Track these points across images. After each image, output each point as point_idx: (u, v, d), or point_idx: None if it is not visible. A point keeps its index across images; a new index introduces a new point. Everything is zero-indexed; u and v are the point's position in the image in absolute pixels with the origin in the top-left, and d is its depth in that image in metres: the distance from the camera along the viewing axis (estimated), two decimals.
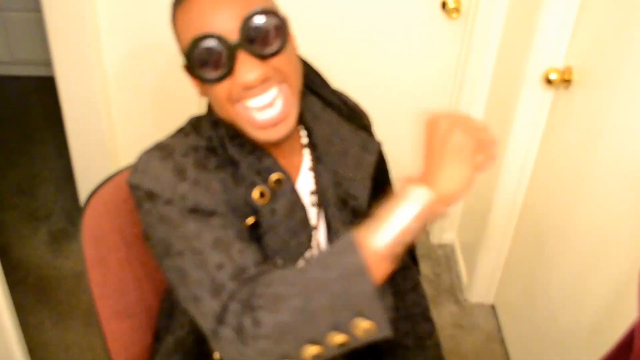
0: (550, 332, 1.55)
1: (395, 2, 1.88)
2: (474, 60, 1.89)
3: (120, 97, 2.05)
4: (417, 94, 2.06)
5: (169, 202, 0.78)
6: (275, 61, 0.78)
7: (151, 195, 0.79)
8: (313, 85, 0.95)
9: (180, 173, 0.80)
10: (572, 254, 1.44)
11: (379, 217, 0.70)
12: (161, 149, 0.82)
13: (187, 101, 2.05)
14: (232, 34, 0.75)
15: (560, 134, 1.56)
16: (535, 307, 1.66)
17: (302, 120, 0.92)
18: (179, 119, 2.16)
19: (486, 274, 1.98)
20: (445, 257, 2.25)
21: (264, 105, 0.79)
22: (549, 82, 1.51)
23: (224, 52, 0.75)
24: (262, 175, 0.85)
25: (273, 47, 0.77)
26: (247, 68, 0.75)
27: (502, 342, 1.90)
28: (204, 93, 0.85)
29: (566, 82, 1.49)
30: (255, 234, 0.85)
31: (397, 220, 0.69)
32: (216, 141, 0.85)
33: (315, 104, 0.94)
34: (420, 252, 2.29)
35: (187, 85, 2.07)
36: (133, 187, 0.82)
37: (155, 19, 1.90)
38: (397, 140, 2.17)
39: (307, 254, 0.90)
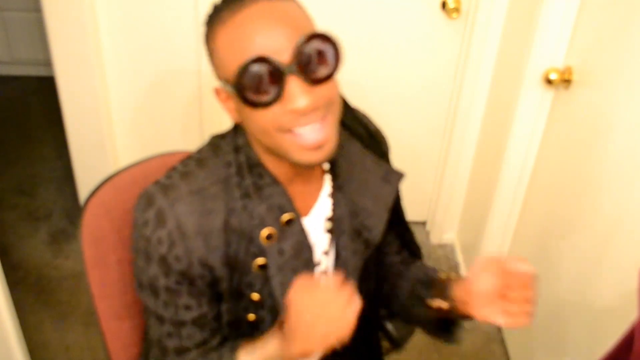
0: (550, 332, 1.55)
1: (395, 2, 1.88)
2: (474, 60, 1.89)
3: (120, 97, 2.05)
4: (417, 93, 2.06)
5: (163, 262, 0.80)
6: (325, 87, 0.74)
7: (147, 251, 0.80)
8: (345, 121, 0.94)
9: (180, 231, 0.78)
10: (572, 254, 1.44)
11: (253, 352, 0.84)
12: (165, 194, 0.79)
13: (187, 101, 2.05)
14: (284, 57, 0.71)
15: (560, 134, 1.56)
16: (535, 307, 1.66)
17: None
18: (179, 119, 2.16)
19: None
20: (445, 257, 2.25)
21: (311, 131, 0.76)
22: (549, 82, 1.51)
23: (275, 76, 0.71)
24: (274, 213, 0.83)
25: (324, 72, 0.74)
26: (299, 93, 0.72)
27: (502, 342, 1.90)
28: (240, 118, 0.81)
29: (566, 82, 1.49)
30: (263, 274, 0.84)
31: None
32: (234, 168, 0.82)
33: (341, 133, 0.91)
34: None
35: (187, 85, 2.09)
36: (137, 218, 0.81)
37: (155, 19, 1.90)
38: (397, 140, 2.18)
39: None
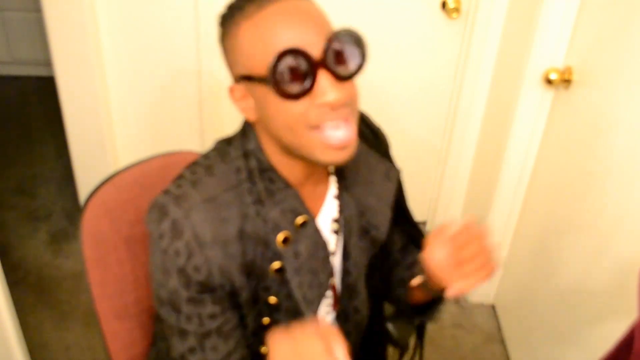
0: (550, 332, 1.55)
1: (395, 2, 1.88)
2: (474, 60, 1.89)
3: (120, 97, 2.05)
4: (417, 93, 2.06)
5: (182, 273, 0.78)
6: (350, 85, 0.75)
7: (165, 252, 0.78)
8: None
9: (197, 241, 0.77)
10: (572, 254, 1.44)
11: None
12: (178, 205, 0.78)
13: (187, 101, 2.05)
14: (316, 51, 0.72)
15: (560, 134, 1.56)
16: (535, 307, 1.66)
17: None
18: (179, 119, 2.16)
19: None
20: None
21: (337, 127, 0.76)
22: (549, 82, 1.51)
23: (307, 69, 0.72)
24: (288, 216, 0.82)
25: (352, 69, 0.75)
26: (328, 87, 0.72)
27: (502, 342, 1.90)
28: (259, 116, 0.80)
29: (566, 82, 1.49)
30: (280, 278, 0.84)
31: None
32: (245, 174, 0.82)
33: None
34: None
35: (187, 85, 2.09)
36: (152, 231, 0.80)
37: (156, 19, 1.90)
38: (397, 140, 2.18)
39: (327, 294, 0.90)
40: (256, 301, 0.85)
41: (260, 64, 0.74)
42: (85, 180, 2.17)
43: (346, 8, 1.89)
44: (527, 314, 1.72)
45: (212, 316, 0.82)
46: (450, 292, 0.79)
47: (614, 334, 1.09)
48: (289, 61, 0.71)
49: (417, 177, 2.27)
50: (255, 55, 0.74)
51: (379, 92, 2.06)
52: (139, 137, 2.14)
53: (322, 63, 0.72)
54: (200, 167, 0.83)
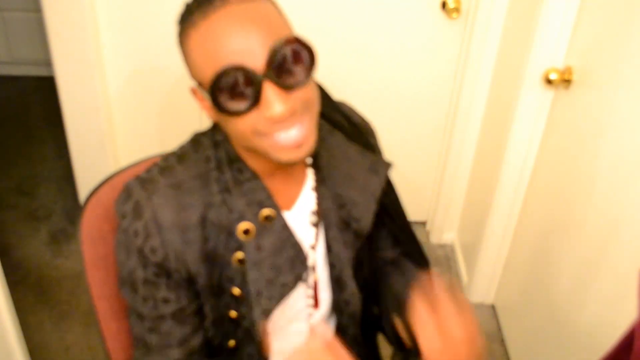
0: (550, 332, 1.55)
1: (396, 2, 1.88)
2: (474, 60, 1.89)
3: (120, 97, 2.05)
4: (417, 93, 2.06)
5: (140, 254, 0.81)
6: (301, 91, 0.73)
7: (126, 231, 0.81)
8: (328, 115, 0.93)
9: (157, 224, 0.79)
10: (572, 254, 1.44)
11: None
12: (144, 188, 0.80)
13: (186, 101, 2.06)
14: (258, 64, 0.70)
15: (560, 134, 1.56)
16: (535, 307, 1.66)
17: None
18: (179, 119, 2.16)
19: (486, 274, 1.98)
20: (445, 257, 2.25)
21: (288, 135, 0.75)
22: (549, 82, 1.51)
23: (249, 84, 0.70)
24: (253, 208, 0.83)
25: (300, 78, 0.72)
26: (274, 100, 0.70)
27: (502, 342, 1.90)
28: (216, 119, 0.81)
29: (566, 82, 1.49)
30: (243, 269, 0.84)
31: None
32: (214, 163, 0.83)
33: (322, 126, 0.91)
34: None
35: (186, 85, 2.08)
36: (117, 211, 0.83)
37: (155, 19, 1.90)
38: (397, 140, 2.18)
39: (293, 293, 0.90)
40: (221, 293, 0.86)
41: (206, 78, 0.73)
42: (85, 180, 2.17)
43: (346, 8, 1.90)
44: (527, 314, 1.72)
45: (166, 301, 0.83)
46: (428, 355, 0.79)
47: (613, 334, 1.09)
48: (230, 79, 0.70)
49: (417, 177, 2.27)
50: (202, 67, 0.73)
51: (378, 92, 2.06)
52: (139, 137, 2.14)
53: (267, 75, 0.70)
54: (173, 155, 0.85)
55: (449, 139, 2.10)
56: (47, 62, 2.29)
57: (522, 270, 1.78)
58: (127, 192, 0.82)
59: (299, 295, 0.92)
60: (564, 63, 1.53)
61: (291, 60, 0.72)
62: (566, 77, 1.49)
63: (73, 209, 2.36)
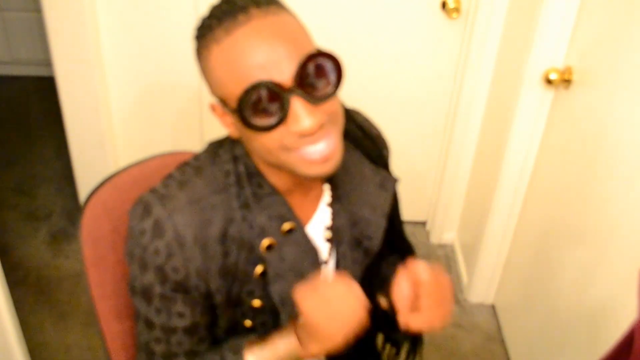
0: (550, 332, 1.55)
1: (395, 2, 1.88)
2: (474, 60, 1.89)
3: (120, 97, 2.05)
4: (417, 93, 2.06)
5: (159, 272, 0.79)
6: (328, 104, 0.73)
7: (143, 262, 0.80)
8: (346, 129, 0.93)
9: (179, 242, 0.78)
10: (572, 253, 1.44)
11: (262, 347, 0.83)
12: (163, 205, 0.78)
13: (186, 101, 2.05)
14: (286, 78, 0.69)
15: (560, 134, 1.56)
16: (535, 307, 1.66)
17: None
18: (179, 119, 2.16)
19: (486, 274, 1.98)
20: (445, 257, 2.25)
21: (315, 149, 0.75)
22: (549, 82, 1.51)
23: (277, 99, 0.69)
24: (275, 222, 0.82)
25: (327, 91, 0.72)
26: (302, 114, 0.70)
27: (502, 342, 1.90)
28: (240, 135, 0.79)
29: (566, 82, 1.49)
30: (264, 281, 0.84)
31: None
32: (233, 178, 0.81)
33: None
34: (420, 252, 2.30)
35: (187, 85, 2.09)
36: (133, 226, 0.80)
37: (155, 19, 1.90)
38: (397, 140, 2.18)
39: None
40: (238, 304, 0.86)
41: (232, 94, 0.72)
42: (85, 180, 2.17)
43: (346, 8, 1.89)
44: (527, 314, 1.72)
45: (181, 315, 0.83)
46: (400, 322, 0.83)
47: (613, 334, 1.09)
48: (258, 95, 0.69)
49: (417, 177, 2.27)
50: (227, 84, 0.72)
51: (379, 92, 2.06)
52: (139, 137, 2.14)
53: (294, 89, 0.69)
54: (190, 167, 0.83)
55: (449, 139, 2.10)
56: (47, 62, 2.29)
57: (522, 270, 1.78)
58: (145, 208, 0.79)
59: None
60: (564, 63, 1.53)
61: (318, 74, 0.71)
62: (566, 77, 1.49)
63: (73, 209, 2.36)
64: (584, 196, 1.39)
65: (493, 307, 2.03)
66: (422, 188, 2.29)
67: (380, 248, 1.04)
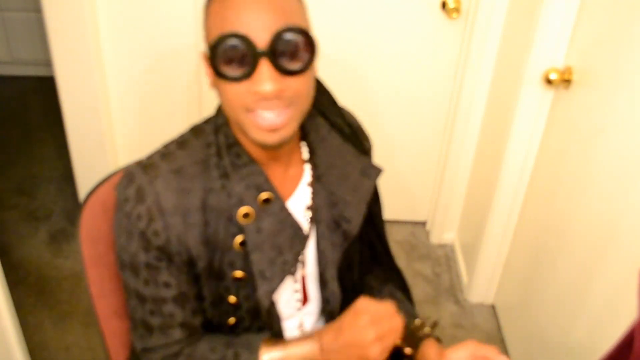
0: (550, 332, 1.55)
1: (395, 2, 1.88)
2: (474, 60, 1.89)
3: (120, 97, 2.05)
4: (417, 93, 2.06)
5: (143, 237, 0.82)
6: (294, 80, 0.77)
7: (129, 215, 0.83)
8: (321, 106, 0.95)
9: (158, 208, 0.81)
10: (572, 253, 1.44)
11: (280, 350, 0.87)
12: (145, 172, 0.83)
13: (186, 101, 2.06)
14: (262, 41, 0.74)
15: (560, 134, 1.56)
16: (535, 308, 1.66)
17: (306, 139, 0.93)
18: (178, 119, 2.17)
19: (486, 274, 1.98)
20: (445, 257, 2.25)
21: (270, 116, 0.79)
22: (549, 82, 1.51)
23: (248, 56, 0.74)
24: (251, 192, 0.85)
25: (296, 66, 0.76)
26: (267, 77, 0.74)
27: (502, 342, 1.90)
28: (215, 86, 0.84)
29: (566, 82, 1.49)
30: (244, 251, 0.86)
31: None
32: (214, 149, 0.85)
33: (322, 126, 0.94)
34: (420, 252, 2.30)
35: (186, 86, 2.09)
36: (118, 195, 0.84)
37: (156, 20, 1.90)
38: (397, 140, 2.18)
39: (294, 271, 0.92)
40: (222, 277, 0.87)
41: (212, 39, 0.77)
42: (85, 180, 2.17)
43: (346, 9, 1.90)
44: (527, 314, 1.72)
45: (167, 285, 0.85)
46: None
47: (613, 334, 1.09)
48: (231, 44, 0.74)
49: (417, 177, 2.27)
50: (212, 30, 0.78)
51: (379, 92, 2.06)
52: (139, 137, 2.14)
53: (266, 53, 0.74)
54: (174, 142, 0.88)
55: (449, 139, 2.11)
56: (47, 62, 2.29)
57: (522, 270, 1.78)
58: (128, 177, 0.83)
59: (288, 290, 0.94)
60: (564, 63, 1.53)
61: (292, 48, 0.75)
62: (566, 77, 1.49)
63: (73, 209, 2.36)
64: (584, 196, 1.39)
65: (493, 307, 2.03)
66: (422, 188, 2.29)
67: (363, 255, 1.05)
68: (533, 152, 1.69)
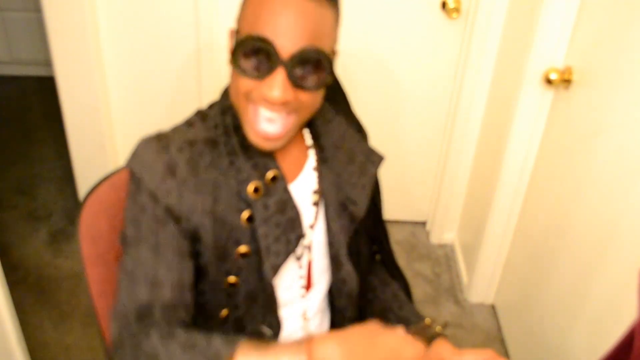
0: (550, 332, 1.55)
1: (395, 2, 1.88)
2: (474, 60, 1.89)
3: (120, 97, 2.05)
4: (417, 94, 2.06)
5: (152, 195, 0.82)
6: (304, 94, 0.80)
7: (139, 183, 0.83)
8: (335, 100, 0.98)
9: (171, 169, 0.82)
10: (572, 253, 1.44)
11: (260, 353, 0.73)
12: (159, 140, 0.85)
13: (186, 101, 2.05)
14: (285, 52, 0.76)
15: (560, 134, 1.56)
16: (535, 308, 1.66)
17: (310, 123, 0.94)
18: (178, 119, 2.16)
19: (486, 274, 1.98)
20: (445, 257, 2.25)
21: (270, 118, 0.81)
22: (549, 82, 1.51)
23: (268, 60, 0.77)
24: (259, 170, 0.86)
25: (309, 83, 0.79)
26: (279, 84, 0.77)
27: (502, 342, 1.90)
28: (229, 64, 0.85)
29: (566, 82, 1.49)
30: (251, 227, 0.86)
31: None
32: (221, 129, 0.88)
33: (328, 110, 0.96)
34: (420, 252, 2.30)
35: (186, 86, 2.09)
36: (129, 171, 0.85)
37: (156, 20, 1.90)
38: (397, 139, 2.18)
39: (299, 251, 0.92)
40: (225, 256, 0.87)
41: (242, 31, 0.80)
42: (85, 180, 2.17)
43: (346, 8, 1.89)
44: (527, 314, 1.72)
45: (167, 243, 0.83)
46: None
47: (613, 333, 1.09)
48: (257, 45, 0.77)
49: (417, 177, 2.27)
50: (246, 20, 0.79)
51: (379, 92, 2.06)
52: (139, 137, 2.14)
53: (286, 63, 0.76)
54: (182, 124, 0.91)
55: (449, 138, 2.11)
56: (47, 62, 2.29)
57: (522, 270, 1.78)
58: (143, 142, 0.86)
59: (292, 275, 0.94)
60: (564, 63, 1.53)
61: (310, 67, 0.79)
62: (566, 77, 1.49)
63: (73, 208, 2.36)
64: (584, 196, 1.39)
65: (493, 307, 2.03)
66: (422, 188, 2.29)
67: (368, 249, 1.05)
68: (533, 152, 1.69)
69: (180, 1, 1.86)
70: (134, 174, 0.84)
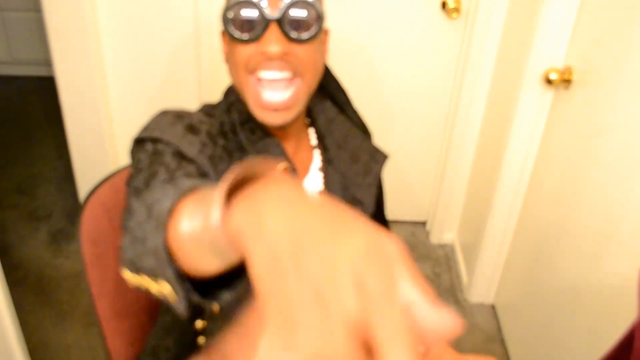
0: (550, 332, 1.55)
1: (396, 2, 1.88)
2: (474, 60, 1.89)
3: (120, 97, 2.05)
4: (417, 93, 2.06)
5: (175, 150, 0.78)
6: (300, 47, 0.81)
7: (155, 140, 0.79)
8: (337, 99, 0.98)
9: (193, 129, 0.82)
10: (572, 253, 1.44)
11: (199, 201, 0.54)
12: (178, 112, 0.85)
13: (187, 102, 2.05)
14: (273, 10, 0.79)
15: (560, 134, 1.56)
16: (535, 307, 1.66)
17: (314, 123, 0.94)
18: None
19: (486, 274, 1.98)
20: (445, 257, 2.25)
21: (273, 80, 0.81)
22: (549, 82, 1.51)
23: (259, 21, 0.79)
24: None
25: (302, 35, 0.81)
26: (274, 40, 0.79)
27: (502, 342, 1.90)
28: (227, 61, 0.88)
29: (566, 82, 1.49)
30: None
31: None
32: (227, 126, 0.87)
33: (330, 109, 0.96)
34: (420, 252, 2.30)
35: (187, 87, 2.08)
36: (138, 141, 0.80)
37: (156, 20, 1.90)
38: (397, 139, 2.18)
39: None
40: None
41: (225, 5, 0.81)
42: (85, 180, 2.17)
43: (346, 8, 1.89)
44: (527, 314, 1.72)
45: (169, 168, 0.75)
46: None
47: (613, 333, 1.09)
48: (242, 7, 0.79)
49: (417, 177, 2.27)
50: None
51: (379, 91, 2.06)
52: None
53: (275, 20, 0.79)
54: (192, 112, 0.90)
55: (449, 138, 2.10)
56: (47, 62, 2.29)
57: (522, 270, 1.78)
58: (153, 121, 0.84)
59: None
60: (564, 63, 1.53)
61: (300, 19, 0.80)
62: (566, 77, 1.49)
63: (73, 208, 2.36)
64: (584, 196, 1.39)
65: (493, 307, 2.03)
66: (422, 188, 2.29)
67: None
68: (533, 152, 1.69)
69: (180, 3, 1.86)
70: (149, 137, 0.77)
